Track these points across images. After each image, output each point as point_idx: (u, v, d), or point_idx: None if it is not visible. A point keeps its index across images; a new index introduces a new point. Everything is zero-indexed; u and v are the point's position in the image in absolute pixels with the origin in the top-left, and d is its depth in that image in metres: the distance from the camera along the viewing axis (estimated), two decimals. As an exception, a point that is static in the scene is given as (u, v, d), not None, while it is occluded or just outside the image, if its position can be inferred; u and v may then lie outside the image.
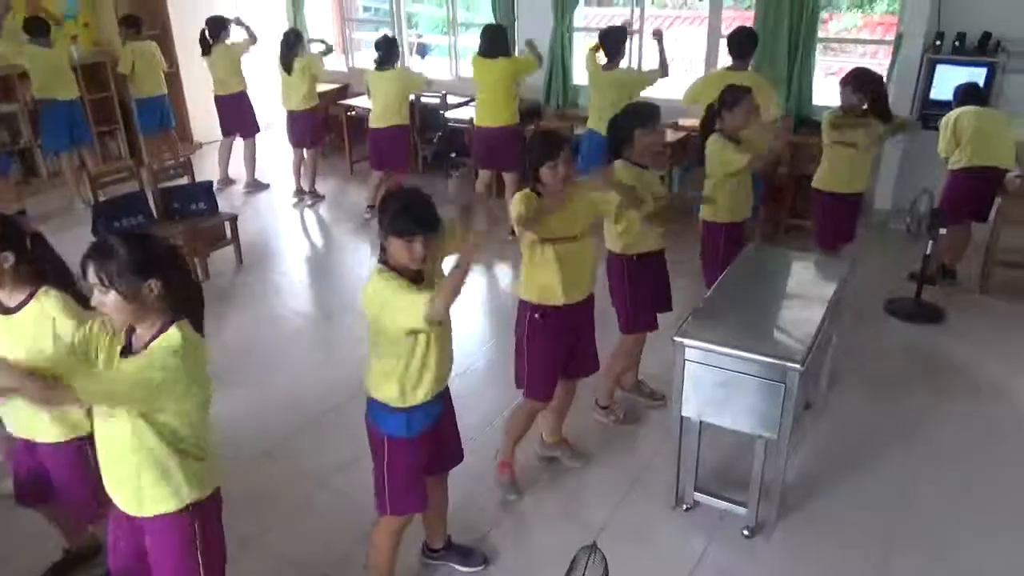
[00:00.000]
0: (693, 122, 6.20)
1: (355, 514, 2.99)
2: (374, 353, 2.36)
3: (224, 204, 5.85)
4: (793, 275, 3.59)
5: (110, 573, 2.21)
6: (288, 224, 6.52)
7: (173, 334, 1.89)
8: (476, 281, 5.35)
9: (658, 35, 5.23)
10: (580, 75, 7.00)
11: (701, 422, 2.96)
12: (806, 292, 3.35)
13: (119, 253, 1.83)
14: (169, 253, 1.96)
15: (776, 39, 5.85)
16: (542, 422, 3.38)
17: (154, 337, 1.89)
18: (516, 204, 2.81)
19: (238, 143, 7.04)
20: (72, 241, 2.44)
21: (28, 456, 2.51)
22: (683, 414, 2.94)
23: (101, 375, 1.94)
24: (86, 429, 2.32)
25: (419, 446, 2.43)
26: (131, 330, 1.96)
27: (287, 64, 6.34)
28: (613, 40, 5.24)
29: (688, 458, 3.05)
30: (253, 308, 5.01)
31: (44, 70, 6.27)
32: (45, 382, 1.85)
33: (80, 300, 2.27)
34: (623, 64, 5.55)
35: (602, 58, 5.31)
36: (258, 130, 7.03)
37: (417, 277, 2.26)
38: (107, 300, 1.84)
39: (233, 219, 5.50)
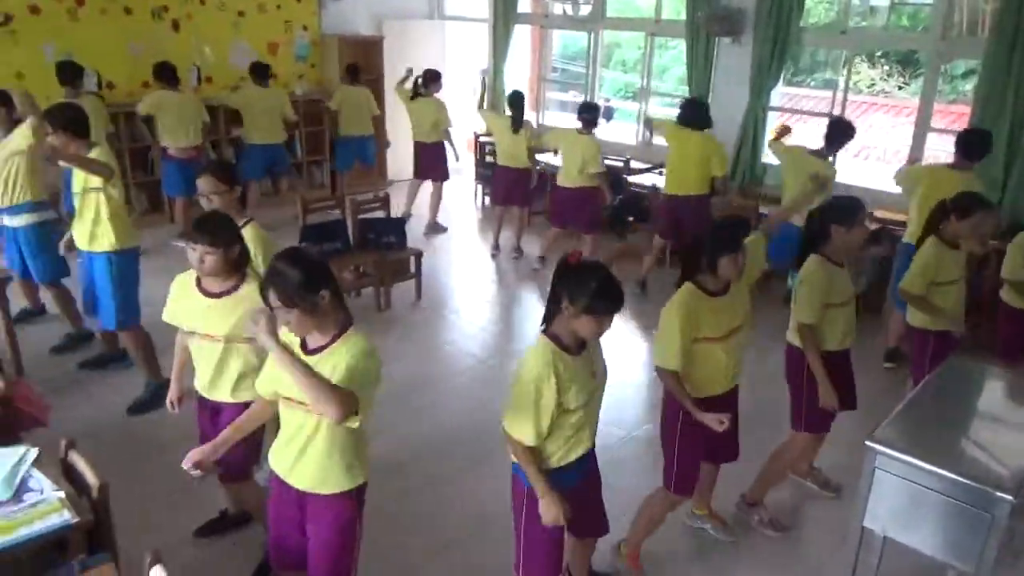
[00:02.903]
0: (890, 214, 5.96)
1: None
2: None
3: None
4: (1002, 395, 3.29)
5: (270, 545, 2.42)
6: (465, 268, 6.83)
7: (359, 341, 2.12)
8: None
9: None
10: (770, 155, 6.90)
11: (885, 537, 2.77)
12: (1018, 416, 3.08)
13: (291, 275, 2.02)
14: (325, 263, 2.15)
15: (993, 140, 5.50)
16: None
17: (332, 340, 2.12)
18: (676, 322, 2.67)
19: (426, 185, 7.50)
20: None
21: (211, 416, 2.81)
22: (865, 524, 2.77)
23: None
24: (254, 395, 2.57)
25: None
26: None
27: (517, 125, 6.54)
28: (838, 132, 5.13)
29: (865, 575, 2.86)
30: (426, 342, 5.26)
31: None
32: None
33: None
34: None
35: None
36: (447, 177, 7.48)
37: (580, 348, 2.29)
38: (292, 318, 2.05)
39: (419, 255, 5.83)
